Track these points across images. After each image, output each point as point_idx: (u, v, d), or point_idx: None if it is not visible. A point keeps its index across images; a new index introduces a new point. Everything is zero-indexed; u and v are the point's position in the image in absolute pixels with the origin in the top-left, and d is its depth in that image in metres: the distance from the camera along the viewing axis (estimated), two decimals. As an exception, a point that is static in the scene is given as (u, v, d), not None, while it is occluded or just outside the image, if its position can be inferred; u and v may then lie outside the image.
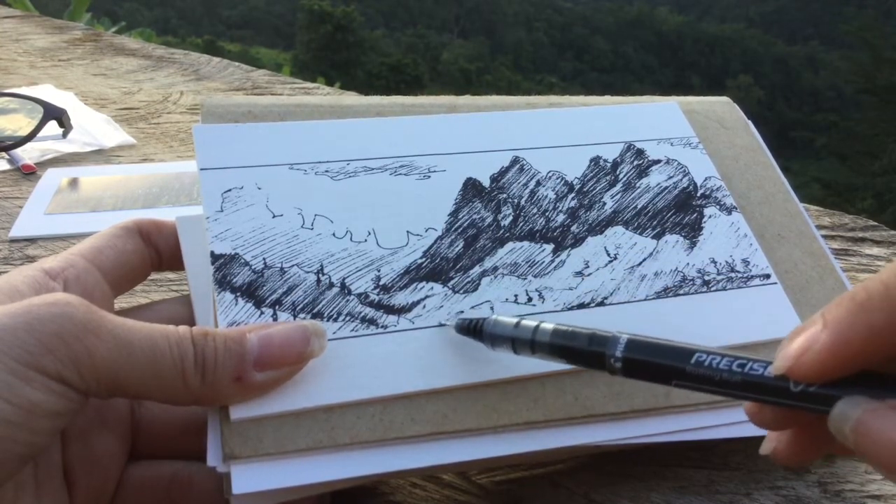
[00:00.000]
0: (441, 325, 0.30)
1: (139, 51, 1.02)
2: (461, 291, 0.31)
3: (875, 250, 0.51)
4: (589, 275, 0.33)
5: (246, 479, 0.26)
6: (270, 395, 0.27)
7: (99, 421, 0.29)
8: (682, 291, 0.33)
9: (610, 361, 0.24)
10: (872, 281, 0.20)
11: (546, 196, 0.35)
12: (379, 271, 0.31)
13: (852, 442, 0.20)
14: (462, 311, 0.31)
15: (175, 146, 0.70)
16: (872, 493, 0.32)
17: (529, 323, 0.27)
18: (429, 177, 0.34)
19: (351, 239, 0.31)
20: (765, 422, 0.24)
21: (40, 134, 0.66)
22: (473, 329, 0.29)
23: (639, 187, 0.36)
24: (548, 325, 0.27)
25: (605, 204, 0.35)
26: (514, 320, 0.28)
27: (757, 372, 0.22)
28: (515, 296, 0.32)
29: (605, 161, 0.37)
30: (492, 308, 0.31)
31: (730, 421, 0.31)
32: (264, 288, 0.29)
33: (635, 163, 0.37)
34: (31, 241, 0.53)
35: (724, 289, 0.34)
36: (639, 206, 0.36)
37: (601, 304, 0.32)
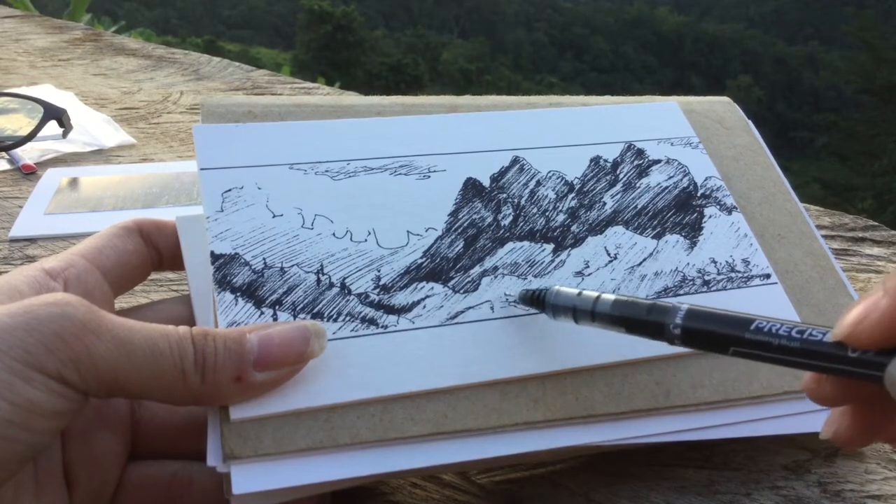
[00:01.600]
0: (506, 296, 0.31)
1: (139, 51, 1.02)
2: (461, 291, 0.31)
3: (875, 250, 0.51)
4: (589, 275, 0.33)
5: (246, 479, 0.26)
6: (270, 395, 0.27)
7: (99, 421, 0.29)
8: (682, 291, 0.33)
9: (669, 329, 0.25)
10: None
11: (546, 196, 0.35)
12: (379, 271, 0.31)
13: None
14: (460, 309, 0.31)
15: (175, 146, 0.70)
16: (872, 493, 0.32)
17: (590, 293, 0.28)
18: (429, 177, 0.34)
19: (351, 239, 0.31)
20: (823, 396, 0.24)
21: (40, 134, 0.66)
22: (536, 300, 0.30)
23: (639, 187, 0.36)
24: (609, 296, 0.28)
25: (605, 204, 0.35)
26: (576, 291, 0.29)
27: (815, 338, 0.22)
28: (515, 296, 0.32)
29: (606, 161, 0.37)
30: (492, 308, 0.31)
31: (730, 421, 0.31)
32: (264, 288, 0.29)
33: (635, 163, 0.37)
34: (31, 241, 0.53)
35: (724, 289, 0.34)
36: (639, 206, 0.36)
37: (601, 304, 0.32)
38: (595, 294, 0.28)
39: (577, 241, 0.34)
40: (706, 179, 0.38)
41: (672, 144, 0.38)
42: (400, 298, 0.30)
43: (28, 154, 0.66)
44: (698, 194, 0.37)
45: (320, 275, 0.30)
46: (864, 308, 0.21)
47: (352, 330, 0.29)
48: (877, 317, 0.21)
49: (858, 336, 0.21)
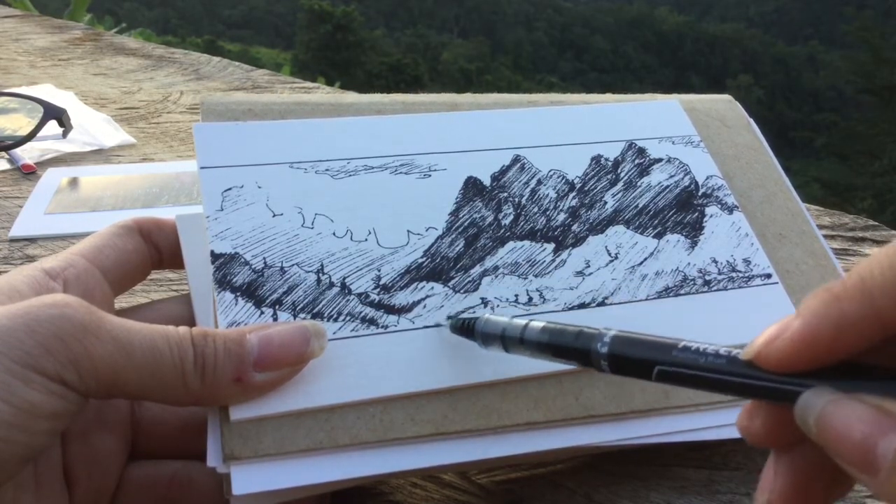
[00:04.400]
0: (438, 325, 0.30)
1: (139, 50, 1.02)
2: (462, 291, 0.31)
3: (875, 250, 0.51)
4: (590, 274, 0.33)
5: (246, 479, 0.26)
6: (270, 395, 0.27)
7: (99, 421, 0.29)
8: (682, 291, 0.33)
9: (596, 358, 0.24)
10: (850, 274, 0.20)
11: (547, 195, 0.35)
12: (379, 271, 0.31)
13: (815, 434, 0.19)
14: (460, 311, 0.30)
15: (175, 146, 0.70)
16: (872, 493, 0.31)
17: (519, 321, 0.27)
18: (429, 175, 0.34)
19: (351, 238, 0.31)
20: (754, 433, 0.23)
21: (40, 134, 0.66)
22: (466, 328, 0.29)
23: (640, 186, 0.36)
24: (537, 323, 0.26)
25: (606, 203, 0.35)
26: (506, 319, 0.28)
27: (728, 359, 0.21)
28: (516, 296, 0.31)
29: (607, 160, 0.37)
30: (490, 307, 0.31)
31: (730, 421, 0.31)
32: (264, 287, 0.29)
33: (636, 161, 0.37)
34: (31, 240, 0.53)
35: (724, 289, 0.34)
36: (640, 206, 0.35)
37: (602, 303, 0.32)
38: (524, 321, 0.27)
39: (578, 241, 0.34)
40: (707, 178, 0.37)
41: (673, 143, 0.38)
42: (400, 298, 0.30)
43: (28, 154, 0.66)
44: (699, 193, 0.37)
45: (320, 274, 0.30)
46: (776, 328, 0.21)
47: (352, 330, 0.29)
48: (786, 337, 0.20)
49: (767, 357, 0.20)
